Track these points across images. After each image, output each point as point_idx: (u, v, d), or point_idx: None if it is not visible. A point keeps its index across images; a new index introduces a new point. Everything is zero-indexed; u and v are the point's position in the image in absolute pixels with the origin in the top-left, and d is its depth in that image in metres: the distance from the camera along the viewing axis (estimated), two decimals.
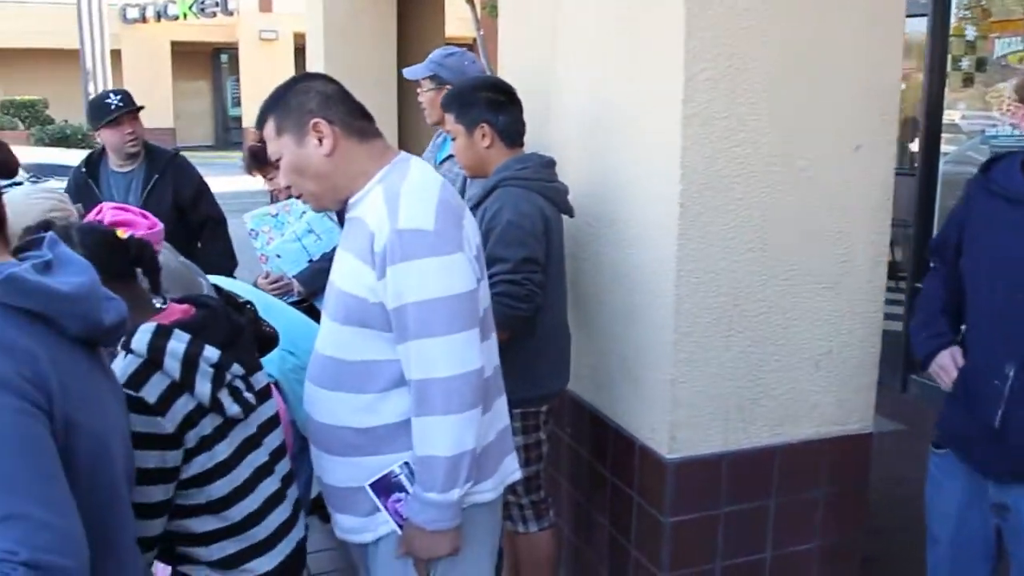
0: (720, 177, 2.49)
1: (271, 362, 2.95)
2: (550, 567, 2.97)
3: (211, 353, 1.78)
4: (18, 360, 1.24)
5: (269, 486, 1.94)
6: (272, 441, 1.99)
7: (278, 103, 2.01)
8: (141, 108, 4.18)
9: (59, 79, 25.76)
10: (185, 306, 1.91)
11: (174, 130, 25.62)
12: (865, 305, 2.74)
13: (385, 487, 1.98)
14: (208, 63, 29.47)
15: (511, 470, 2.18)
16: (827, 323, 2.70)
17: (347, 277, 1.98)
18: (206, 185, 4.37)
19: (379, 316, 1.91)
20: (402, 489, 1.97)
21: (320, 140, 1.97)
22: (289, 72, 26.43)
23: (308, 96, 1.98)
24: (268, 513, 1.94)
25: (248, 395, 1.87)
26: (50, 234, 1.42)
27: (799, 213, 2.59)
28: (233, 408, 1.81)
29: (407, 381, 1.92)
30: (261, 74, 23.51)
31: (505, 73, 3.55)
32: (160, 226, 2.54)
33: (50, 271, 1.35)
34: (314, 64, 6.99)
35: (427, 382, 1.87)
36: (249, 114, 24.42)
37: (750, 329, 2.61)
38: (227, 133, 28.88)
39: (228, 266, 4.28)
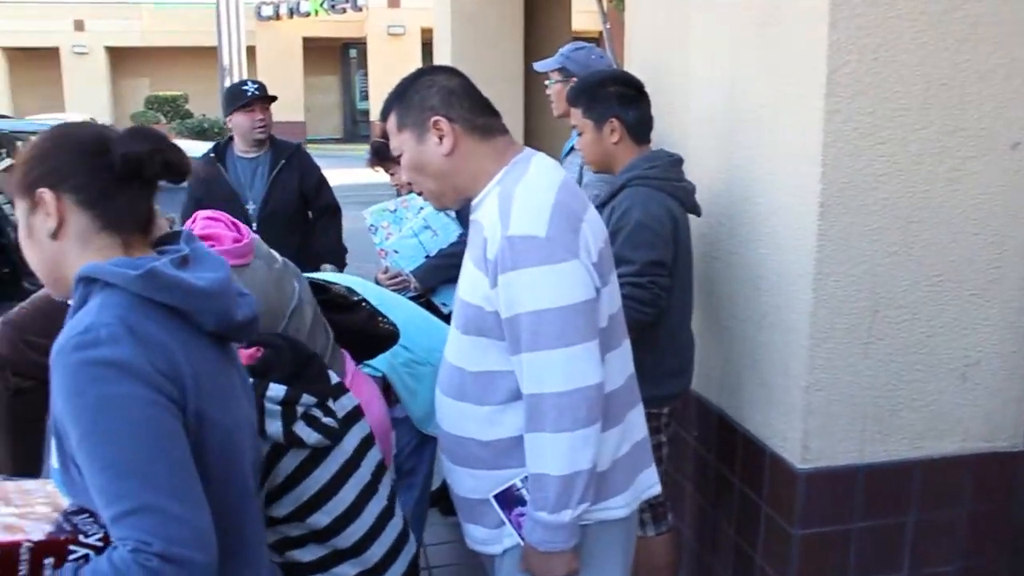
0: (863, 176, 2.36)
1: (380, 357, 2.95)
2: (668, 573, 2.90)
3: (276, 391, 1.75)
4: (154, 353, 1.27)
5: (376, 505, 1.91)
6: (371, 460, 1.94)
7: (401, 98, 1.95)
8: (274, 98, 4.34)
9: (198, 75, 26.95)
10: (252, 350, 1.89)
11: (304, 123, 26.40)
12: (1017, 314, 2.56)
13: (508, 500, 1.94)
14: (337, 58, 30.29)
15: (648, 485, 2.08)
16: (975, 332, 2.54)
17: (466, 285, 1.92)
18: (324, 176, 4.52)
19: (496, 326, 1.85)
20: (524, 503, 1.92)
21: (440, 138, 1.90)
22: (416, 66, 26.84)
23: (430, 92, 1.92)
24: (380, 533, 1.90)
25: (328, 420, 1.82)
26: (186, 229, 1.45)
27: (948, 215, 2.44)
28: (312, 437, 1.77)
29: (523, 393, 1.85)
30: (389, 68, 23.97)
31: (632, 67, 3.48)
32: (248, 239, 2.49)
33: (187, 266, 1.37)
34: (441, 59, 7.06)
35: (539, 397, 1.79)
36: (376, 108, 24.92)
37: (891, 336, 2.47)
38: (355, 126, 29.63)
39: (341, 253, 4.48)
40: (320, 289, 2.53)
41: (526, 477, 1.89)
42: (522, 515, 1.92)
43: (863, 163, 2.35)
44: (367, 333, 2.49)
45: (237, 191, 4.23)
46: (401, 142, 1.96)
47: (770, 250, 2.59)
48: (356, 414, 1.94)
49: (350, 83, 30.44)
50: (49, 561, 1.21)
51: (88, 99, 24.61)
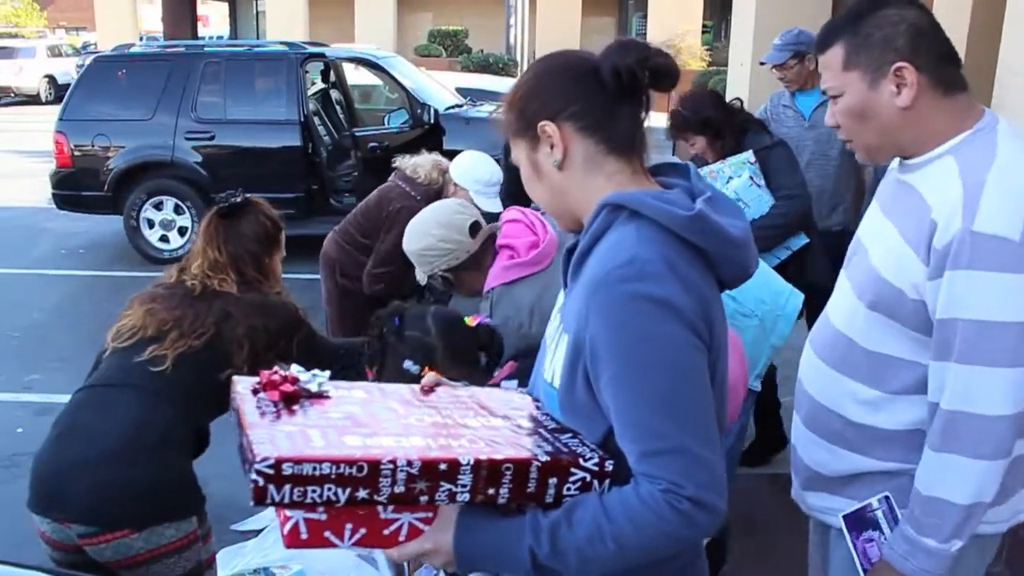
0: None
1: None
2: None
3: None
4: (692, 295, 1.25)
5: None
6: None
7: (857, 30, 1.65)
8: None
9: (479, 11, 27.58)
10: (509, 363, 1.98)
11: None
12: None
13: (859, 521, 1.79)
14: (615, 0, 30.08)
15: (1021, 508, 1.81)
16: None
17: (886, 258, 1.69)
18: None
19: (915, 314, 1.65)
20: (877, 527, 1.76)
21: (899, 88, 1.63)
22: (697, 11, 26.28)
23: (898, 30, 1.62)
24: None
25: None
26: (692, 165, 1.42)
27: None
28: None
29: (930, 401, 1.66)
30: (668, 12, 23.52)
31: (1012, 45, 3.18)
32: (546, 240, 2.53)
33: (713, 209, 1.33)
34: (742, 11, 6.77)
35: (962, 416, 1.59)
36: None
37: None
38: None
39: None
40: None
41: (885, 498, 1.75)
42: (870, 541, 1.78)
43: None
44: None
45: None
46: (845, 82, 1.68)
47: None
48: None
49: (626, 25, 30.16)
50: (553, 481, 1.26)
51: (375, 31, 25.66)
